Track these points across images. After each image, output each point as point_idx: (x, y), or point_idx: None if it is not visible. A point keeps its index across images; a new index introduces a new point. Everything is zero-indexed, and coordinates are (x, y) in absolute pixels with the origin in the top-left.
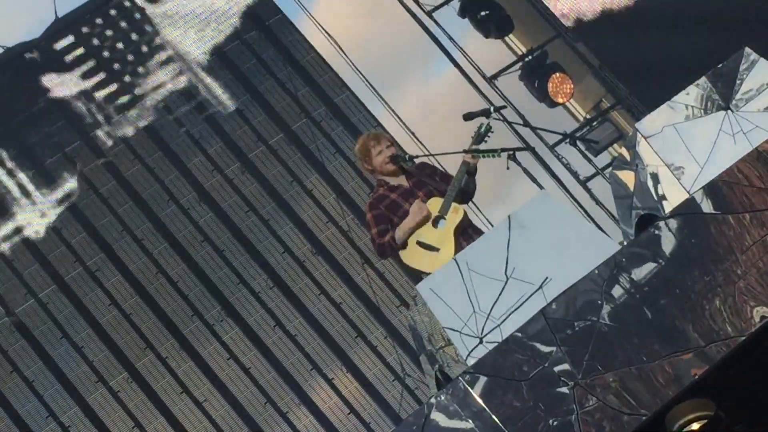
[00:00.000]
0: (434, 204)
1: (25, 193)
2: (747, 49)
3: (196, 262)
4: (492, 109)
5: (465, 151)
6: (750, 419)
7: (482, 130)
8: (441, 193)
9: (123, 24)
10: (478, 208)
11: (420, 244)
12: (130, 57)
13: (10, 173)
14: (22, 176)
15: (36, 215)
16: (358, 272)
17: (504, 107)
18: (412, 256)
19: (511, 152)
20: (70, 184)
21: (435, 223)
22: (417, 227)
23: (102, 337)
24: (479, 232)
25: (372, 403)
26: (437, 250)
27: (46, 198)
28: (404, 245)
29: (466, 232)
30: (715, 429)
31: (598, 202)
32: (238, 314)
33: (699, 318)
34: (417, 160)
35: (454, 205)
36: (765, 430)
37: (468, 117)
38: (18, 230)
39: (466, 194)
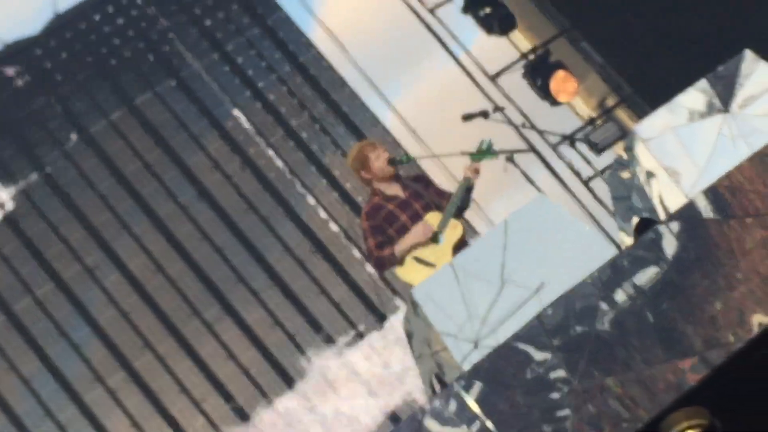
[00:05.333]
0: (432, 218)
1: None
2: (748, 52)
3: (196, 260)
4: (491, 109)
5: (464, 154)
6: (746, 428)
7: (483, 147)
8: (437, 206)
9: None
10: (480, 209)
11: (417, 260)
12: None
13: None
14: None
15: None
16: (358, 271)
17: (503, 108)
18: (409, 272)
19: (509, 154)
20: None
21: (434, 240)
22: (418, 246)
23: (100, 336)
24: None
25: (371, 401)
26: (434, 266)
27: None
28: (402, 261)
29: (465, 246)
30: None
31: (600, 202)
32: (238, 313)
33: (698, 323)
34: (417, 162)
35: (452, 221)
36: None
37: (467, 118)
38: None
39: (461, 209)
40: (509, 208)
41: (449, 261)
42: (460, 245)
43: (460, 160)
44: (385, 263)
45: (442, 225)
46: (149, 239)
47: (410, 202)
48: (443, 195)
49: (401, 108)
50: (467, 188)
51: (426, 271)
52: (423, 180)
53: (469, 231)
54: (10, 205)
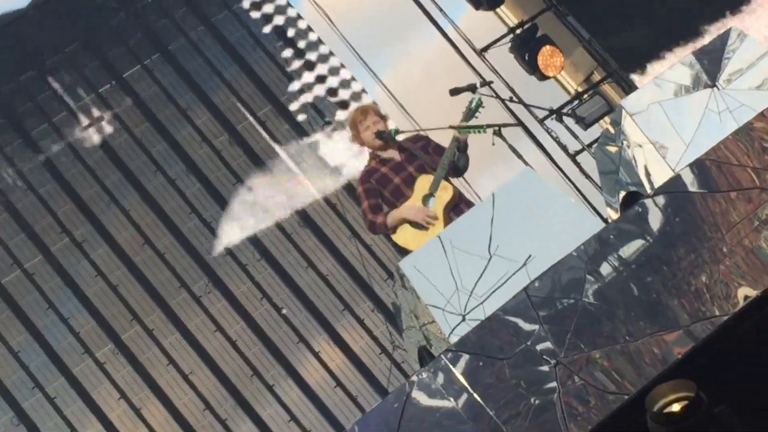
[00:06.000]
0: (424, 181)
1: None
2: (734, 27)
3: (184, 234)
4: (479, 83)
5: (452, 127)
6: (731, 400)
7: (473, 105)
8: (433, 167)
9: None
10: (468, 183)
11: (410, 223)
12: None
13: None
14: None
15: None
16: (346, 245)
17: (491, 82)
18: (403, 236)
19: (496, 128)
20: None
21: (425, 202)
22: (409, 221)
23: (88, 308)
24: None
25: (358, 376)
26: (426, 229)
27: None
28: (395, 229)
29: (458, 208)
30: (695, 410)
31: (587, 176)
32: (225, 286)
33: (684, 296)
34: (406, 135)
35: (443, 183)
36: (746, 411)
37: (454, 92)
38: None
39: (457, 170)
40: (496, 182)
41: (441, 223)
42: (452, 206)
43: (448, 134)
44: (376, 228)
45: (434, 186)
46: (137, 212)
47: (404, 164)
48: (442, 153)
49: (389, 82)
50: (461, 148)
51: (418, 234)
52: (421, 140)
53: (471, 193)
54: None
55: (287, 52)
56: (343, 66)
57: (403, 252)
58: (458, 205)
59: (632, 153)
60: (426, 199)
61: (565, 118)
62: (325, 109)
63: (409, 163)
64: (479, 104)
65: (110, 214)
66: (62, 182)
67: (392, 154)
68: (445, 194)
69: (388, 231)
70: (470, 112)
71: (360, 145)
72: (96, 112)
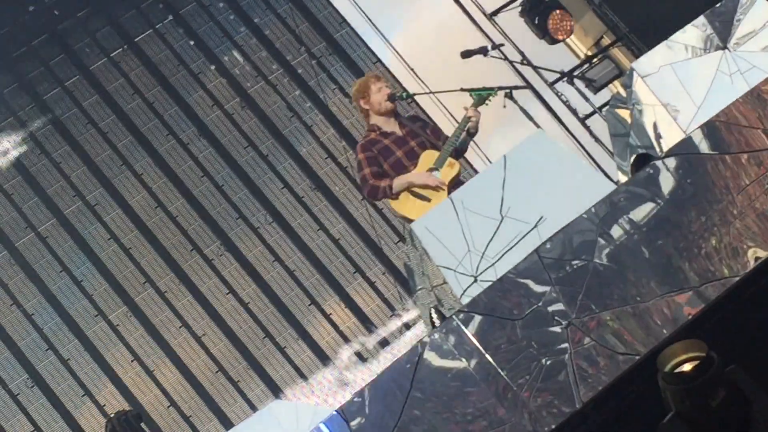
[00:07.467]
0: (429, 156)
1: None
2: None
3: (196, 197)
4: (490, 47)
5: (463, 90)
6: (742, 360)
7: (484, 94)
8: (433, 145)
9: None
10: (478, 146)
11: (413, 193)
12: None
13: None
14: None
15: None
16: (357, 208)
17: (502, 45)
18: (403, 204)
19: (507, 91)
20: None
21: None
22: (417, 187)
23: (102, 271)
24: None
25: (370, 338)
26: (429, 200)
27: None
28: (397, 195)
29: (459, 185)
30: (706, 370)
31: (597, 140)
32: (238, 249)
33: (695, 258)
34: (416, 98)
35: (449, 159)
36: (756, 371)
37: (466, 55)
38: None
39: (459, 152)
40: (507, 144)
41: (444, 197)
42: (455, 184)
43: (458, 97)
44: (378, 193)
45: (440, 161)
46: (149, 176)
47: (407, 139)
48: (439, 136)
49: (400, 45)
50: (469, 132)
51: (420, 205)
52: (420, 120)
53: (468, 168)
54: (14, 151)
55: (297, 16)
56: (353, 29)
57: (403, 220)
58: (461, 183)
59: (643, 115)
60: (430, 172)
61: (575, 81)
62: (334, 73)
63: (411, 138)
64: (490, 93)
65: (122, 177)
66: (75, 146)
67: (393, 127)
68: (451, 170)
69: (391, 195)
70: (481, 99)
71: (365, 112)
72: (108, 77)
